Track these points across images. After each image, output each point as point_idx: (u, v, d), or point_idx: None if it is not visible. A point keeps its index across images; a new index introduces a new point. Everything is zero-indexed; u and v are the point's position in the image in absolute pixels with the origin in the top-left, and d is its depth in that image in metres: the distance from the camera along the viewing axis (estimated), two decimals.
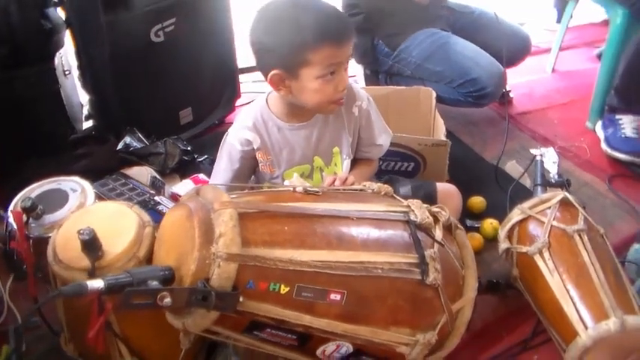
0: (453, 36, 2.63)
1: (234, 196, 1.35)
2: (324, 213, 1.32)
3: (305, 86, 1.56)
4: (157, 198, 1.99)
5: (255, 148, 1.70)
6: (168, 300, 1.10)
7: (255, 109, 1.72)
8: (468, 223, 2.16)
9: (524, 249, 1.75)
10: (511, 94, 2.96)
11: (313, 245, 1.25)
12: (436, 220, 1.46)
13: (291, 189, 1.40)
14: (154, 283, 1.13)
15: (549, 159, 2.35)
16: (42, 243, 1.53)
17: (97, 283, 1.11)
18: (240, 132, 1.70)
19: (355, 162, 1.87)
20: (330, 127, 1.75)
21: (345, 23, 1.57)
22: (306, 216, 1.30)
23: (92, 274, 1.32)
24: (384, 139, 1.89)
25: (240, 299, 1.15)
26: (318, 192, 1.40)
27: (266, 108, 1.71)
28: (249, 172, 1.79)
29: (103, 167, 2.23)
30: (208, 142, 2.54)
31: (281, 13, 1.55)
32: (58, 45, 2.24)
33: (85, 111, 2.56)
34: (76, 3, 2.16)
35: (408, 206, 1.44)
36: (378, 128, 1.86)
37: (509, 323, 1.85)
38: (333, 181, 1.63)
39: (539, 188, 2.03)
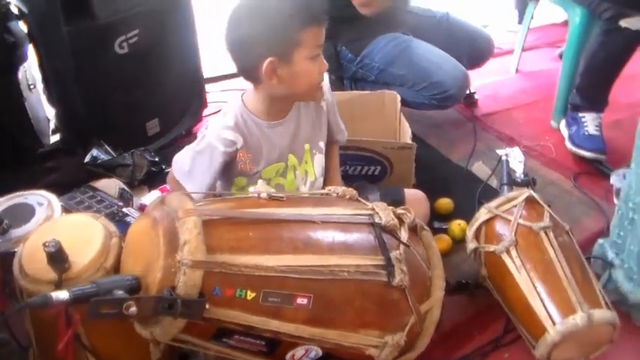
0: (415, 39, 2.65)
1: (201, 203, 1.35)
2: (289, 218, 1.32)
3: (298, 70, 1.59)
4: (125, 210, 1.98)
5: (239, 147, 1.69)
6: (134, 309, 1.10)
7: (233, 109, 1.72)
8: (436, 224, 2.17)
9: (491, 248, 1.77)
10: (476, 96, 2.99)
11: (279, 250, 1.26)
12: (401, 221, 1.47)
13: (256, 195, 1.41)
14: (120, 293, 1.13)
15: (515, 158, 2.38)
16: (8, 258, 1.52)
17: (62, 295, 1.11)
18: (222, 133, 1.68)
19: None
20: (302, 123, 1.78)
21: (323, 5, 1.62)
22: (271, 221, 1.31)
23: (59, 286, 1.31)
24: (342, 122, 1.96)
25: (207, 306, 1.15)
26: (282, 197, 1.40)
27: (244, 107, 1.72)
28: (220, 173, 1.77)
29: (72, 180, 2.22)
30: (176, 152, 2.52)
31: (263, 1, 1.59)
32: (22, 58, 2.22)
33: (52, 125, 2.54)
34: (36, 14, 2.14)
35: (373, 209, 1.45)
36: (338, 114, 1.93)
37: (480, 322, 1.87)
38: None
39: (505, 188, 2.06)
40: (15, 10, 2.16)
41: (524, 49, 3.31)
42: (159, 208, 1.30)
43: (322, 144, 1.85)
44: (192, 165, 1.72)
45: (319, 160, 1.84)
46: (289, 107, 1.75)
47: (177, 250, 1.17)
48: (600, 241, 1.96)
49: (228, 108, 1.75)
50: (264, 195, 1.39)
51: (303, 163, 1.81)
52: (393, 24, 2.65)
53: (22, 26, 2.20)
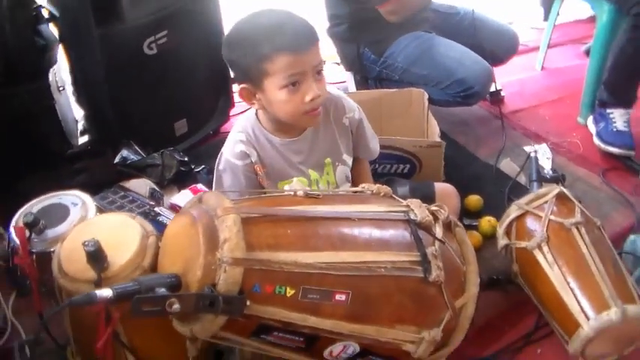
0: (437, 37, 2.65)
1: (238, 201, 1.37)
2: (325, 215, 1.33)
3: (272, 98, 1.57)
4: (157, 209, 2.00)
5: (254, 161, 1.69)
6: (177, 306, 1.11)
7: (245, 124, 1.72)
8: (466, 221, 2.17)
9: (523, 244, 1.77)
10: (502, 93, 2.98)
11: (317, 247, 1.27)
12: (435, 218, 1.47)
13: (292, 193, 1.42)
14: (162, 290, 1.14)
15: (543, 155, 2.39)
16: (45, 258, 1.55)
17: (105, 292, 1.12)
18: (235, 147, 1.69)
19: (353, 165, 1.89)
20: (320, 140, 1.75)
21: (302, 33, 1.55)
22: (308, 218, 1.31)
23: (98, 284, 1.32)
24: (374, 143, 1.92)
25: (247, 303, 1.16)
26: (318, 195, 1.41)
27: (256, 122, 1.71)
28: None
29: (101, 181, 2.24)
30: (204, 152, 2.56)
31: (241, 27, 1.58)
32: (52, 61, 2.24)
33: (80, 126, 2.56)
34: (68, 18, 2.17)
35: (408, 205, 1.45)
36: (370, 134, 1.89)
37: (512, 318, 1.87)
38: None
39: (535, 184, 2.05)
40: (45, 14, 2.19)
41: (549, 46, 3.29)
42: (197, 207, 1.31)
43: (346, 157, 1.82)
44: (220, 183, 1.74)
45: (342, 170, 1.82)
46: (292, 125, 1.71)
47: (217, 247, 1.18)
48: (632, 237, 1.95)
49: (240, 122, 1.76)
50: (300, 192, 1.40)
51: (325, 175, 1.79)
52: (414, 23, 2.65)
53: (53, 29, 2.22)
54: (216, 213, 1.23)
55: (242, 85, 1.60)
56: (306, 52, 1.53)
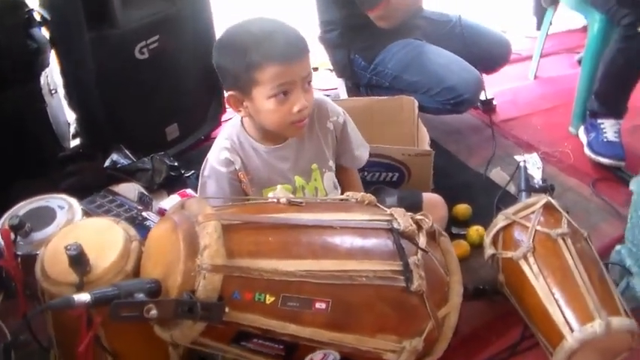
0: (427, 45, 2.64)
1: (221, 208, 1.37)
2: (307, 223, 1.34)
3: (260, 107, 1.57)
4: (144, 214, 2.00)
5: (237, 168, 1.68)
6: (154, 312, 1.11)
7: (230, 131, 1.72)
8: (454, 230, 2.17)
9: (509, 254, 1.77)
10: (494, 102, 2.98)
11: (298, 255, 1.27)
12: (419, 227, 1.47)
13: (275, 200, 1.42)
14: (141, 296, 1.15)
15: (533, 164, 2.38)
16: (30, 260, 1.54)
17: (84, 297, 1.13)
18: (220, 154, 1.69)
19: (342, 175, 1.89)
20: (306, 146, 1.75)
21: (293, 43, 1.54)
22: (290, 226, 1.32)
23: (80, 288, 1.32)
24: (361, 151, 1.89)
25: (226, 310, 1.17)
26: (301, 203, 1.41)
27: (242, 130, 1.71)
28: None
29: (92, 184, 2.24)
30: (195, 157, 2.54)
31: (232, 35, 1.59)
32: (44, 64, 2.24)
33: (72, 129, 2.57)
34: (59, 21, 2.18)
35: (391, 214, 1.46)
36: (355, 140, 1.86)
37: (497, 328, 1.87)
38: None
39: (523, 194, 2.06)
40: (37, 17, 2.19)
41: (542, 55, 3.30)
42: (179, 213, 1.32)
43: (332, 162, 1.82)
44: (204, 190, 1.73)
45: (329, 176, 1.81)
46: (278, 134, 1.70)
47: (197, 254, 1.18)
48: (617, 247, 1.94)
49: (226, 129, 1.75)
50: (283, 200, 1.40)
51: (312, 181, 1.78)
52: (405, 30, 2.65)
53: (45, 32, 2.22)
54: (197, 219, 1.24)
55: (230, 92, 1.60)
56: (297, 63, 1.53)
